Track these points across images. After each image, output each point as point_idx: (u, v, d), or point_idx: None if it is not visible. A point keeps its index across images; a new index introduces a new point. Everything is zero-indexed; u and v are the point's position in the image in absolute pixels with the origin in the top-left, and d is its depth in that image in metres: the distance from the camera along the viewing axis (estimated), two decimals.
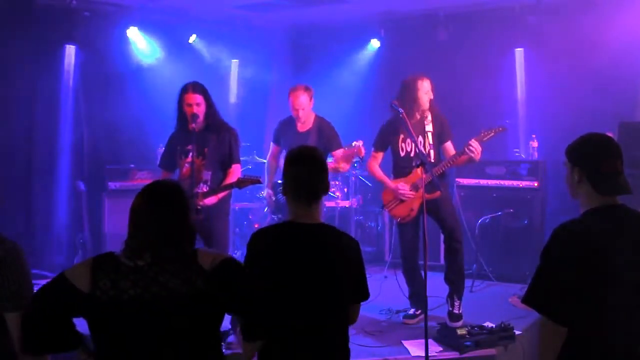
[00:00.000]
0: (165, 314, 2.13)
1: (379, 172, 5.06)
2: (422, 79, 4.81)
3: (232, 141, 4.65)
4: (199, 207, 4.35)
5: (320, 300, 2.50)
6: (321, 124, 5.26)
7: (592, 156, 2.31)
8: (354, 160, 5.23)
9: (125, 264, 2.17)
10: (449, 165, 4.76)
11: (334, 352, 2.55)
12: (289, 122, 5.36)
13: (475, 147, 4.61)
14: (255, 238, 2.61)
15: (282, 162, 5.39)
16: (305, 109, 5.18)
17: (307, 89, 5.22)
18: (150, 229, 2.19)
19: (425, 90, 4.80)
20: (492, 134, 4.73)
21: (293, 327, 2.49)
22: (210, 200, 4.47)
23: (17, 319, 2.23)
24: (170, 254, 2.19)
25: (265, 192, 5.61)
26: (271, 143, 5.58)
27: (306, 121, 5.27)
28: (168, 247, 2.19)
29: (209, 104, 4.63)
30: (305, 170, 2.57)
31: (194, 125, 4.51)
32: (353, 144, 5.02)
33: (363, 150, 4.99)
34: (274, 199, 5.49)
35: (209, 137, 4.60)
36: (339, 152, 5.16)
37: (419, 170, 4.13)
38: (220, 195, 4.54)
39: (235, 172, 4.65)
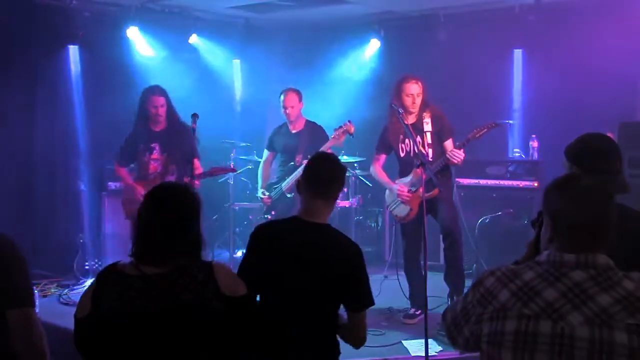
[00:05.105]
0: (172, 328, 2.07)
1: (381, 174, 5.11)
2: (408, 81, 4.83)
3: (191, 138, 5.02)
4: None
5: (310, 298, 2.50)
6: (312, 126, 5.68)
7: (589, 155, 2.31)
8: (345, 137, 5.37)
9: (131, 275, 2.11)
10: (440, 165, 4.77)
11: (319, 351, 2.56)
12: (282, 126, 5.79)
13: (456, 153, 4.68)
14: (259, 229, 2.68)
15: (274, 166, 5.90)
16: (295, 107, 5.58)
17: (296, 90, 5.65)
18: (158, 236, 2.14)
19: (409, 92, 4.81)
20: (485, 130, 4.75)
21: (282, 321, 2.50)
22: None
23: (17, 316, 2.16)
24: (181, 264, 2.12)
25: (260, 193, 5.84)
26: (265, 150, 5.95)
27: (297, 122, 5.65)
28: (178, 255, 2.13)
29: (170, 105, 5.21)
30: (327, 166, 2.65)
31: (159, 125, 5.18)
32: (342, 125, 5.25)
33: (352, 127, 5.24)
34: (267, 194, 5.73)
35: (171, 135, 5.12)
36: (328, 144, 5.32)
37: (418, 170, 4.16)
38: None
39: (198, 165, 5.06)
